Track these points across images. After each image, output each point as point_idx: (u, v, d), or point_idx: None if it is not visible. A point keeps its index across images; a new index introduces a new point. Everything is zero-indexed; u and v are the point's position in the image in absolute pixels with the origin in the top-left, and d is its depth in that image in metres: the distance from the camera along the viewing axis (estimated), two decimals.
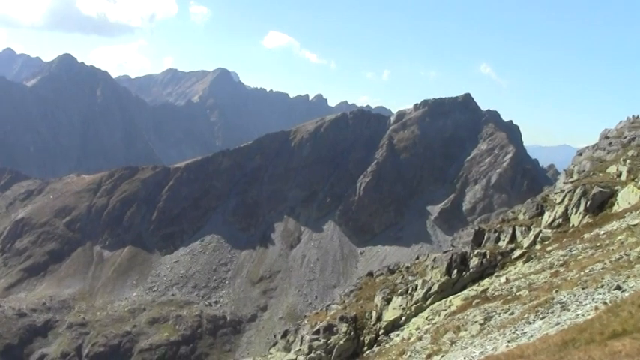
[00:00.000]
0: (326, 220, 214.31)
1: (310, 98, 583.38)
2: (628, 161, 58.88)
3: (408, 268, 69.68)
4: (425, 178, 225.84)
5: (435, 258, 58.52)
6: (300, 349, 55.78)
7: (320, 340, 53.99)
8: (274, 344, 64.95)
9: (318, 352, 53.25)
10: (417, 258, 76.93)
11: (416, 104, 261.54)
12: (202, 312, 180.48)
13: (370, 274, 77.31)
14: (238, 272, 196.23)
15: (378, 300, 56.37)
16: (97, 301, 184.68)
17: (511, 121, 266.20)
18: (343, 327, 54.54)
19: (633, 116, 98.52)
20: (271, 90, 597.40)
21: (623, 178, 54.90)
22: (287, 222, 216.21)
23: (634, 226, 38.60)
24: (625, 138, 74.50)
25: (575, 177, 67.12)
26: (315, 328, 55.93)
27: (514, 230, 55.59)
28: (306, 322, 62.65)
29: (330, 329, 54.85)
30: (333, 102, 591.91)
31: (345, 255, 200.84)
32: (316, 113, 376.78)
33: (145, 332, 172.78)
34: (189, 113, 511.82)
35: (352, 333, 53.72)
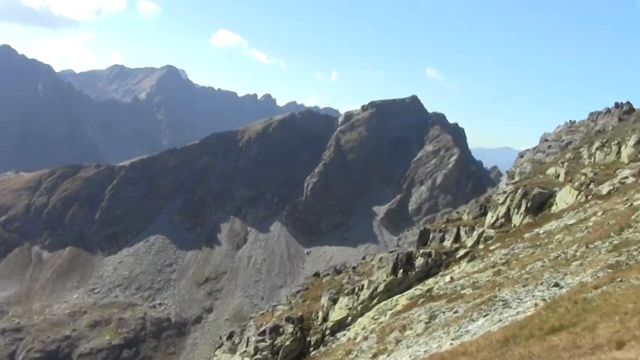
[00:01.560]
0: (273, 220, 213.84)
1: (259, 98, 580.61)
2: (566, 163, 60.78)
3: (354, 268, 70.07)
4: (372, 178, 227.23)
5: (381, 258, 59.05)
6: (246, 351, 55.50)
7: (266, 342, 53.80)
8: (220, 346, 64.44)
9: (264, 353, 53.06)
10: (364, 258, 77.47)
11: (363, 105, 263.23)
12: (146, 314, 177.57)
13: (317, 274, 77.50)
14: (184, 273, 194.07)
15: (324, 300, 56.51)
16: (35, 305, 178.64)
17: (456, 124, 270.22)
18: (289, 328, 54.51)
19: (570, 121, 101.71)
20: (220, 89, 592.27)
21: (561, 179, 56.55)
22: (234, 222, 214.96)
23: (571, 225, 39.74)
24: (563, 141, 76.92)
25: (516, 178, 68.75)
26: (261, 330, 55.71)
27: (458, 230, 56.50)
28: (252, 323, 62.39)
29: (276, 330, 54.73)
30: (281, 102, 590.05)
31: (291, 255, 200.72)
32: (265, 113, 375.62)
33: (85, 336, 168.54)
34: (136, 110, 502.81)
35: (298, 334, 53.71)
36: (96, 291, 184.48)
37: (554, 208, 50.07)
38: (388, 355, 30.14)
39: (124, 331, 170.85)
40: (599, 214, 39.06)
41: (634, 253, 24.54)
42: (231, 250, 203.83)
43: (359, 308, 50.86)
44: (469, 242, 52.67)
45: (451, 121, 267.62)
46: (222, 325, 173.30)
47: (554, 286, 24.97)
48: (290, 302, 67.08)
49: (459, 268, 46.61)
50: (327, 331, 52.10)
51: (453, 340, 24.34)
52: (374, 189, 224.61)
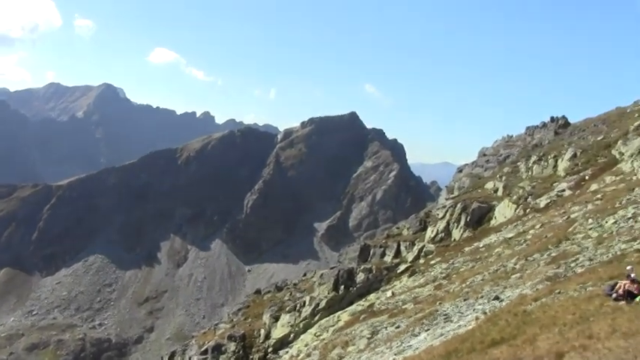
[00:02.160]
0: (213, 238, 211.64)
1: (197, 115, 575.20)
2: (504, 177, 61.87)
3: (295, 285, 69.75)
4: (312, 195, 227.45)
5: (322, 274, 58.86)
6: None
7: None
8: None
9: None
10: (305, 275, 77.20)
11: (303, 122, 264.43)
12: (86, 335, 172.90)
13: (258, 292, 76.88)
14: (123, 293, 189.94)
15: (266, 318, 55.95)
16: None
17: (395, 140, 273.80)
18: (232, 346, 53.74)
19: (508, 135, 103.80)
20: (158, 107, 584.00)
21: (500, 193, 57.49)
22: (173, 241, 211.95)
23: (510, 238, 40.23)
24: (501, 156, 78.31)
25: (455, 193, 69.63)
26: (203, 348, 54.88)
27: (399, 245, 56.75)
28: (193, 342, 61.43)
29: (218, 349, 53.91)
30: (220, 119, 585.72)
31: (232, 273, 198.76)
32: (203, 131, 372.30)
33: None
34: (74, 129, 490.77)
35: (241, 352, 53.00)
36: (34, 313, 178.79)
37: (493, 222, 50.81)
38: None
39: (63, 354, 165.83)
40: (537, 227, 39.67)
41: (572, 265, 24.89)
42: (172, 269, 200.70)
43: (301, 325, 50.48)
44: (410, 257, 52.96)
45: (390, 136, 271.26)
46: (163, 345, 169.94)
47: (494, 299, 25.10)
48: (232, 320, 66.30)
49: (400, 283, 46.73)
50: (270, 349, 51.53)
51: (395, 355, 24.18)
52: (314, 205, 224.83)
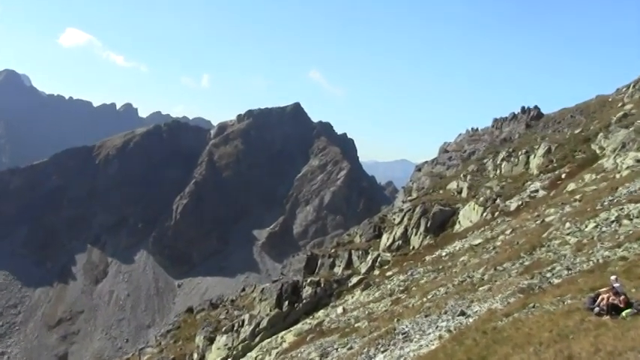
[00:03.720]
0: (137, 249, 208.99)
1: (118, 108, 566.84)
2: (468, 177, 62.28)
3: (233, 301, 69.23)
4: (250, 198, 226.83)
5: (263, 289, 58.43)
6: None
7: None
8: None
9: None
10: (244, 290, 76.76)
11: (239, 115, 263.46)
12: None
13: (190, 310, 76.10)
14: (31, 315, 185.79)
15: (199, 340, 55.31)
16: None
17: (345, 134, 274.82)
18: None
19: (472, 129, 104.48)
20: (71, 97, 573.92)
21: (464, 194, 57.93)
22: (91, 253, 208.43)
23: (476, 245, 40.40)
24: (465, 152, 79.06)
25: (414, 195, 69.95)
26: None
27: (350, 255, 56.74)
28: None
29: None
30: (144, 112, 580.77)
31: (160, 289, 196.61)
32: (125, 125, 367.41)
33: None
34: None
35: None
36: None
37: (457, 227, 51.13)
38: None
39: None
40: (507, 232, 39.97)
41: (547, 275, 24.96)
42: (89, 286, 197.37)
43: (240, 347, 50.00)
44: (363, 268, 52.96)
45: (339, 131, 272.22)
46: None
47: (460, 314, 25.03)
48: (160, 344, 65.47)
49: (353, 297, 46.60)
50: None
51: None
52: (253, 210, 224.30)
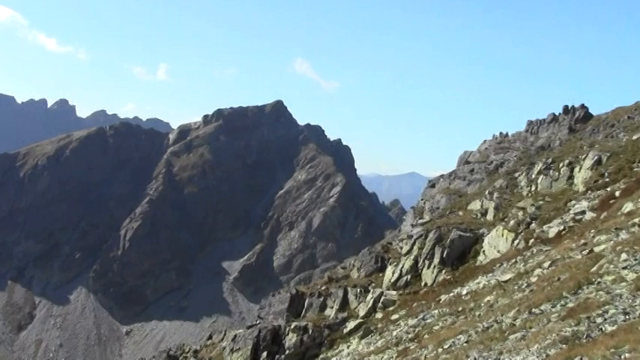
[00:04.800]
0: (74, 285, 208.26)
1: (49, 105, 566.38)
2: (496, 194, 62.06)
3: (196, 352, 68.89)
4: (220, 221, 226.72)
5: (235, 336, 58.12)
6: None
7: None
8: None
9: None
10: (210, 337, 76.35)
11: (206, 116, 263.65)
12: None
13: None
14: None
15: None
16: None
17: (339, 140, 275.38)
18: None
19: (501, 134, 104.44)
20: None
21: (490, 217, 57.71)
22: (12, 290, 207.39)
23: (506, 282, 40.14)
24: (491, 163, 78.89)
25: (426, 217, 69.80)
26: None
27: (346, 293, 56.45)
28: None
29: None
30: (84, 111, 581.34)
31: (103, 337, 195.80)
32: (58, 127, 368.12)
33: None
34: None
35: None
36: None
37: (481, 259, 50.88)
38: None
39: None
40: (545, 265, 39.70)
41: (597, 321, 24.65)
42: (9, 334, 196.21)
43: None
44: (362, 310, 52.66)
45: (332, 136, 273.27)
46: None
47: None
48: None
49: (349, 347, 46.40)
50: None
51: None
52: (223, 237, 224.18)
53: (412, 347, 36.31)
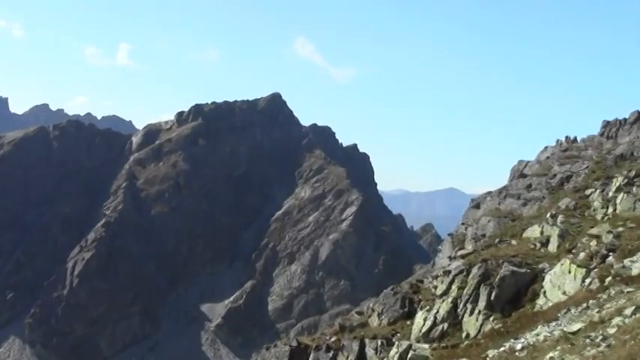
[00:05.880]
0: (4, 335, 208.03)
1: None
2: (560, 218, 61.71)
3: None
4: (198, 251, 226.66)
5: None
6: None
7: None
8: None
9: None
10: None
11: (181, 113, 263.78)
12: None
13: None
14: None
15: None
16: None
17: (355, 146, 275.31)
18: None
19: (567, 139, 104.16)
20: None
21: (553, 247, 57.29)
22: None
23: (574, 334, 39.76)
24: (554, 176, 78.62)
25: (469, 247, 69.56)
26: None
27: (363, 346, 56.31)
28: None
29: None
30: (19, 105, 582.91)
31: None
32: None
33: None
34: None
35: None
36: None
37: (541, 302, 50.51)
38: None
39: None
40: (627, 312, 39.31)
41: None
42: None
43: None
44: None
45: (346, 141, 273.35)
46: None
47: None
48: None
49: None
50: None
51: None
52: (202, 271, 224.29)
53: None
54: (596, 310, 42.11)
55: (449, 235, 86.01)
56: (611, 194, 62.05)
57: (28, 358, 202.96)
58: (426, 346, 52.37)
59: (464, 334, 52.03)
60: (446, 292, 55.20)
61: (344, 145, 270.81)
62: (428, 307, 56.26)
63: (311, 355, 58.90)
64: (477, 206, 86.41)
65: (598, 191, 64.51)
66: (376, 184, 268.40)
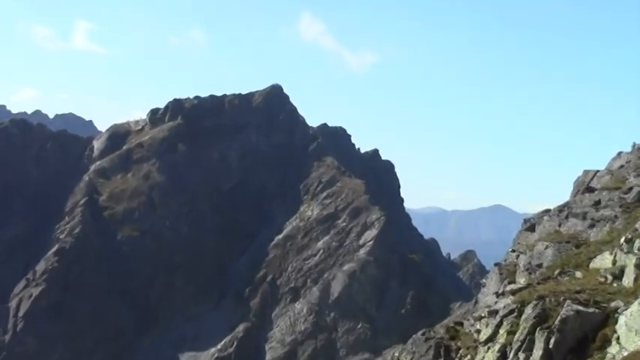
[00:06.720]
0: None
1: None
2: (637, 243, 61.19)
3: None
4: (178, 286, 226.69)
5: None
6: None
7: None
8: None
9: None
10: None
11: (155, 110, 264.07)
12: None
13: None
14: None
15: None
16: None
17: (376, 152, 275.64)
18: None
19: None
20: None
21: (629, 281, 56.82)
22: None
23: None
24: (630, 190, 78.23)
25: (521, 280, 69.32)
26: None
27: None
28: None
29: None
30: None
31: None
32: None
33: None
34: None
35: None
36: None
37: (613, 351, 50.11)
38: None
39: None
40: None
41: None
42: None
43: None
44: None
45: (364, 146, 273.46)
46: None
47: None
48: None
49: None
50: None
51: None
52: (183, 311, 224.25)
53: None
54: None
55: (495, 265, 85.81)
56: None
57: None
58: None
59: None
60: (492, 338, 54.93)
61: (362, 151, 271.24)
62: (469, 357, 56.05)
63: None
64: (531, 228, 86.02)
65: None
66: (403, 200, 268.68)
